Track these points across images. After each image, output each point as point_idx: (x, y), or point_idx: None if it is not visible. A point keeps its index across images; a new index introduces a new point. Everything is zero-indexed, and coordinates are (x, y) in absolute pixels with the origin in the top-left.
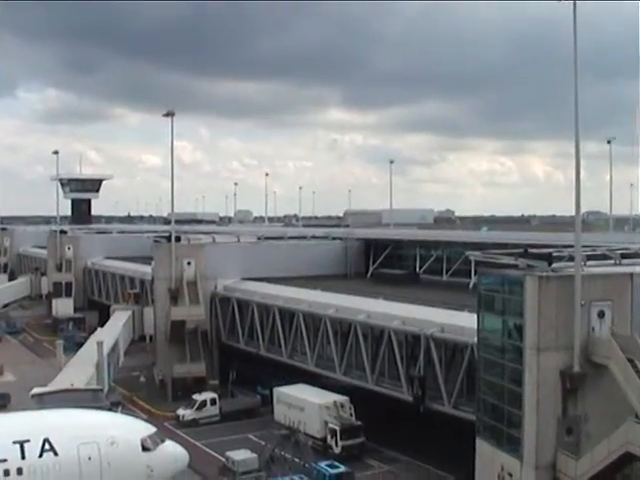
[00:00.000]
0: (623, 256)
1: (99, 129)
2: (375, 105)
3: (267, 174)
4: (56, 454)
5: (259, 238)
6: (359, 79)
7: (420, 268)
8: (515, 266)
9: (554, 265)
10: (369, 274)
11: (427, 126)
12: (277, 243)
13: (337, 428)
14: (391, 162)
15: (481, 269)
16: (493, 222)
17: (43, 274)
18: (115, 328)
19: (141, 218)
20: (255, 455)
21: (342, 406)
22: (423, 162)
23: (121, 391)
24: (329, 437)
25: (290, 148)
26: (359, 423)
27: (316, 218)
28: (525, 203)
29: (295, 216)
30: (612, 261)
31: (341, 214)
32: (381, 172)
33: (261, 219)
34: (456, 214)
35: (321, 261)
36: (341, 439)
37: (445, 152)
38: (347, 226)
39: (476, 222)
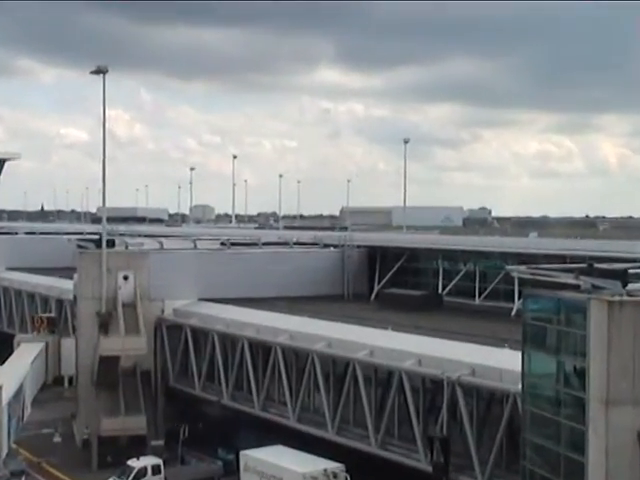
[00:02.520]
0: None
1: None
2: (381, 63)
3: (235, 156)
4: None
5: (223, 244)
6: (360, 26)
7: (444, 288)
8: (576, 287)
9: (630, 286)
10: (374, 295)
11: (454, 93)
12: (248, 252)
13: None
14: (405, 142)
15: (528, 290)
16: (545, 226)
17: None
18: (19, 367)
19: (59, 214)
20: None
21: (335, 476)
22: (449, 142)
23: (26, 456)
24: None
25: (266, 121)
26: None
27: (302, 218)
28: (591, 200)
29: (273, 215)
30: None
31: (336, 212)
32: (391, 155)
33: (226, 218)
34: (493, 214)
35: (309, 277)
36: None
37: (479, 129)
38: (345, 229)
39: (521, 225)
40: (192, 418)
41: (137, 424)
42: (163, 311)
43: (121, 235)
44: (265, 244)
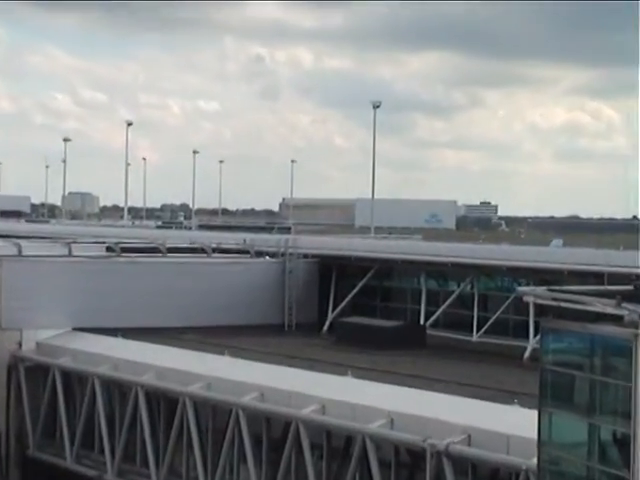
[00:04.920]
0: None
1: None
2: None
3: (129, 123)
4: None
5: (111, 249)
6: None
7: (428, 317)
8: (619, 318)
9: None
10: (327, 325)
11: (444, 36)
12: (147, 261)
13: None
14: (375, 107)
15: (548, 322)
16: (575, 230)
17: None
18: None
19: None
20: None
21: None
22: (436, 108)
23: None
24: None
25: (174, 72)
26: None
27: (226, 213)
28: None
29: (184, 208)
30: None
31: (275, 207)
32: (353, 126)
33: (116, 212)
34: (500, 212)
35: (234, 299)
36: None
37: (480, 89)
38: (287, 230)
39: (541, 229)
40: None
41: None
42: (21, 345)
43: None
44: (172, 251)
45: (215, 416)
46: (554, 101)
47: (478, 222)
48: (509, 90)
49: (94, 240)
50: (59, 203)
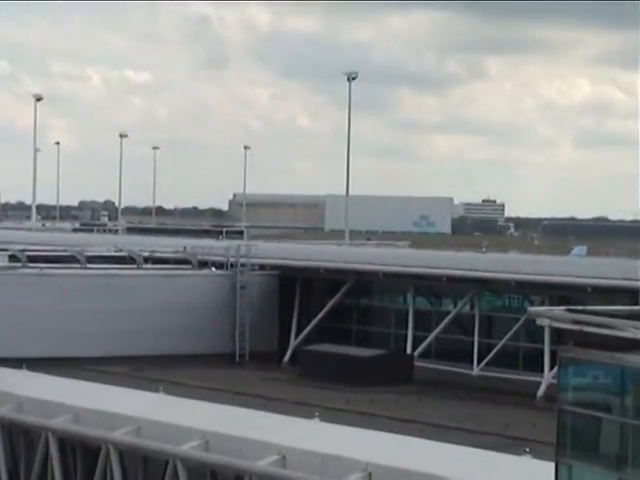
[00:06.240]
0: None
1: None
2: None
3: (38, 98)
4: None
5: (15, 258)
6: None
7: (416, 345)
8: None
9: None
10: (289, 354)
11: None
12: (61, 273)
13: None
14: (350, 78)
15: (568, 351)
16: (601, 235)
17: None
18: None
19: None
20: None
21: None
22: (427, 80)
23: None
24: None
25: (95, 33)
26: None
27: (162, 213)
28: None
29: (108, 206)
30: None
31: (224, 205)
32: (322, 102)
33: (22, 210)
34: (507, 212)
35: (172, 320)
36: None
37: (481, 55)
38: (239, 234)
39: (558, 233)
40: None
41: None
42: None
43: None
44: (93, 260)
45: (146, 468)
46: (575, 72)
47: (480, 225)
48: (517, 58)
49: None
50: None
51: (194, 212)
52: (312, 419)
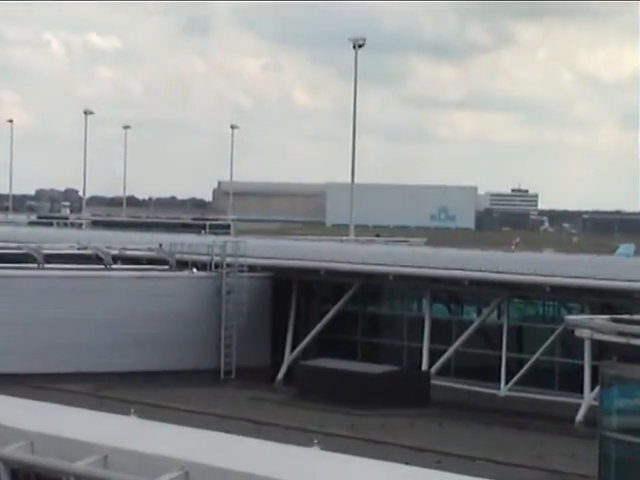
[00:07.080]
0: None
1: None
2: None
3: None
4: None
5: None
6: None
7: (434, 360)
8: None
9: None
10: (283, 371)
11: None
12: (14, 275)
13: None
14: (356, 46)
15: (611, 367)
16: None
17: None
18: None
19: None
20: None
21: None
22: (446, 50)
23: None
24: None
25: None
26: None
27: (134, 204)
28: None
29: (70, 196)
30: None
31: (208, 195)
32: (323, 73)
33: None
34: (541, 205)
35: (147, 330)
36: None
37: (510, 22)
38: (225, 229)
39: (600, 229)
40: None
41: None
42: None
43: None
44: (52, 259)
45: None
46: (621, 40)
47: (509, 219)
48: (553, 24)
49: None
50: None
51: (172, 203)
52: (310, 447)
